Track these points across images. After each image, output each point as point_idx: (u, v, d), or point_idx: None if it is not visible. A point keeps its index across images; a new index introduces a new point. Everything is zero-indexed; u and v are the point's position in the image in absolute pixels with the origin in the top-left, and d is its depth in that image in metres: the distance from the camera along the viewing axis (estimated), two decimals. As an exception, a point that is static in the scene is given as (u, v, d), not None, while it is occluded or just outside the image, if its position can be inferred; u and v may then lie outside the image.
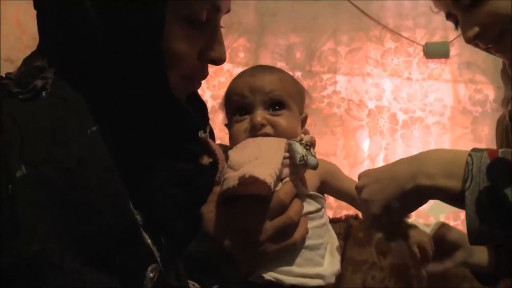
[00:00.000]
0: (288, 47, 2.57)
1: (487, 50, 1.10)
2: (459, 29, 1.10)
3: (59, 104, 0.75)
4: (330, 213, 2.45)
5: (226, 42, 2.81)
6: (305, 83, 2.54)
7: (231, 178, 0.82)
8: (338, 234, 2.36)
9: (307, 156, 0.86)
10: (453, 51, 2.45)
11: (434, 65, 2.53)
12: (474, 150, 0.82)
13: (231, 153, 0.89)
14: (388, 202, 0.89)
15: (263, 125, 0.93)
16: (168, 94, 0.80)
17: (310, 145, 0.89)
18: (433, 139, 2.52)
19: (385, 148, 2.52)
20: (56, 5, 0.77)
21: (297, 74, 2.55)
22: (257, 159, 0.85)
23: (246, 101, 0.95)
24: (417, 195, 0.87)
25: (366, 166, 2.51)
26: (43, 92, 0.75)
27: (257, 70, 1.00)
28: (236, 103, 0.97)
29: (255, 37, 2.58)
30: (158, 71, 0.78)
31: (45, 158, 0.70)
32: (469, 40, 1.09)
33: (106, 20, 0.75)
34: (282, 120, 0.94)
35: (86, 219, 0.70)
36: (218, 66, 2.69)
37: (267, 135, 0.93)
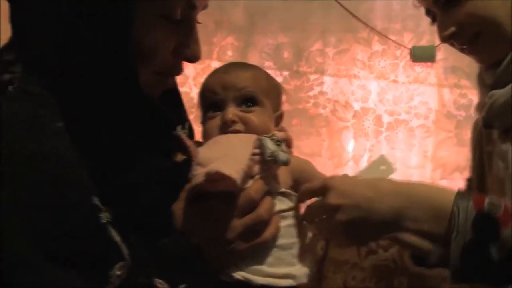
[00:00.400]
0: (276, 46, 2.57)
1: (462, 50, 1.12)
2: (436, 27, 1.12)
3: (25, 99, 0.74)
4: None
5: (214, 40, 2.81)
6: (292, 83, 2.55)
7: (199, 174, 0.81)
8: (320, 234, 2.37)
9: (277, 152, 0.85)
10: (439, 55, 2.47)
11: (420, 68, 2.55)
12: (459, 196, 0.80)
13: (201, 150, 0.88)
14: (365, 239, 0.87)
15: (234, 122, 0.92)
16: (137, 90, 0.79)
17: (281, 141, 0.88)
18: (417, 142, 2.54)
19: (369, 150, 2.54)
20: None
21: (285, 74, 2.56)
22: (226, 155, 0.84)
23: (218, 97, 0.94)
24: (396, 236, 0.83)
25: (350, 167, 2.52)
26: (10, 87, 0.74)
27: (230, 67, 0.99)
28: (209, 100, 0.96)
29: (244, 35, 2.58)
30: (127, 67, 0.77)
31: (7, 154, 0.69)
32: (444, 39, 1.11)
33: (75, 14, 0.74)
34: (254, 116, 0.93)
35: (48, 216, 0.69)
36: (206, 64, 2.68)
37: (238, 131, 0.92)
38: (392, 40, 2.54)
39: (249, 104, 0.94)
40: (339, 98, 2.56)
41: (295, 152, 2.61)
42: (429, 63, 2.52)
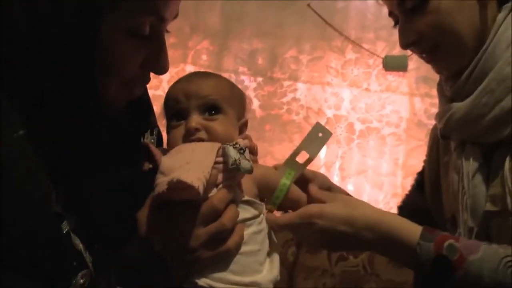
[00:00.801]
0: (251, 52, 2.58)
1: (421, 57, 1.12)
2: (398, 31, 1.10)
3: None
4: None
5: (189, 44, 2.79)
6: (266, 89, 2.56)
7: (161, 183, 0.81)
8: (291, 240, 2.39)
9: (239, 160, 0.85)
10: (411, 65, 2.50)
11: (392, 77, 2.58)
12: (423, 236, 0.91)
13: (164, 158, 0.88)
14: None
15: (197, 130, 0.92)
16: (100, 102, 0.79)
17: (244, 149, 0.88)
18: (389, 149, 2.57)
19: (341, 157, 2.56)
20: None
21: (259, 80, 2.57)
22: (188, 163, 0.84)
23: (181, 106, 0.94)
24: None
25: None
26: None
27: (193, 76, 1.00)
28: (172, 109, 0.96)
29: (219, 40, 2.58)
30: (90, 80, 0.76)
31: None
32: (404, 46, 1.09)
33: (39, 24, 0.73)
34: (217, 125, 0.93)
35: (5, 224, 0.68)
36: (180, 67, 2.67)
37: (201, 140, 0.92)
38: (365, 49, 2.57)
39: (212, 112, 0.94)
40: (312, 105, 2.58)
41: (268, 157, 2.61)
42: (401, 73, 2.55)
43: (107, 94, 0.79)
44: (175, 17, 0.85)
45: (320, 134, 1.02)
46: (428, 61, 1.11)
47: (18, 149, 0.72)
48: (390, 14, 1.11)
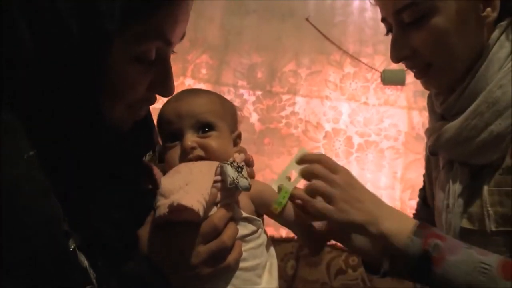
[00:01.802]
0: (250, 66, 2.60)
1: (411, 70, 1.09)
2: (390, 41, 1.07)
3: None
4: (283, 232, 2.47)
5: (189, 57, 2.81)
6: (265, 103, 2.57)
7: (161, 206, 0.83)
8: (290, 253, 2.38)
9: (237, 179, 0.87)
10: (409, 79, 2.51)
11: (390, 91, 2.60)
12: (416, 231, 0.96)
13: (163, 179, 0.89)
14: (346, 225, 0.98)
15: (193, 148, 0.93)
16: (104, 125, 0.80)
17: (242, 166, 0.90)
18: (387, 163, 2.58)
19: (340, 170, 2.56)
20: None
21: (258, 94, 2.58)
22: (187, 184, 0.85)
23: (174, 127, 0.95)
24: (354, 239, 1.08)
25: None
26: None
27: (183, 95, 1.00)
28: (166, 131, 0.97)
29: (219, 54, 2.60)
30: (94, 103, 0.77)
31: None
32: (395, 60, 1.07)
33: (46, 50, 0.74)
34: (212, 141, 0.94)
35: (15, 244, 0.69)
36: (180, 81, 2.68)
37: (199, 157, 0.93)
38: (364, 63, 2.59)
39: (206, 129, 0.95)
40: (310, 118, 2.59)
41: (267, 170, 2.61)
42: (399, 86, 2.56)
43: (113, 116, 0.80)
44: (181, 39, 0.86)
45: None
46: (418, 77, 1.09)
47: (29, 169, 0.73)
48: (383, 20, 1.08)
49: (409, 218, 1.00)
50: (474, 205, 1.01)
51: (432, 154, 1.17)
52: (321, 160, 1.02)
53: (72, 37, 0.73)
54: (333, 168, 0.99)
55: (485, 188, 0.99)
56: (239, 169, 0.89)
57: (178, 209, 0.81)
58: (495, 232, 0.97)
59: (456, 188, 1.05)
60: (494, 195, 0.98)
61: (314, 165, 1.01)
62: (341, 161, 2.56)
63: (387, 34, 1.10)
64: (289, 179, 1.03)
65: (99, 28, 0.73)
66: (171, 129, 0.96)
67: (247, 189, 0.88)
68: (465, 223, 1.02)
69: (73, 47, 0.73)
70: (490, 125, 0.99)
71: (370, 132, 2.59)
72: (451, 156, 1.08)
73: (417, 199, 1.38)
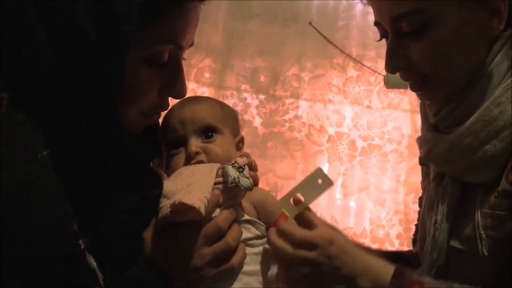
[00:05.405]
0: (253, 70, 2.60)
1: (406, 81, 1.03)
2: (385, 55, 1.00)
3: (9, 127, 0.74)
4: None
5: (192, 61, 2.80)
6: (268, 107, 2.57)
7: (164, 206, 0.84)
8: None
9: (238, 179, 0.88)
10: (412, 82, 2.51)
11: (393, 94, 2.59)
12: (394, 279, 0.87)
13: (166, 182, 0.91)
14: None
15: (197, 153, 0.94)
16: (118, 128, 0.81)
17: (243, 167, 0.90)
18: (390, 166, 2.57)
19: (343, 174, 2.56)
20: (13, 33, 0.76)
21: (261, 97, 2.58)
22: (189, 185, 0.86)
23: (178, 134, 0.97)
24: None
25: (324, 190, 2.53)
26: None
27: (184, 102, 1.01)
28: (170, 138, 0.98)
29: (222, 58, 2.60)
30: (111, 109, 0.78)
31: None
32: (390, 71, 1.00)
33: (65, 56, 0.75)
34: (215, 146, 0.96)
35: (25, 244, 0.70)
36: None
37: (201, 162, 0.94)
38: (367, 67, 2.59)
39: (209, 134, 0.97)
40: (314, 122, 2.59)
41: (270, 174, 2.61)
42: (402, 90, 2.56)
43: (127, 121, 0.82)
44: (191, 45, 0.87)
45: (320, 181, 0.94)
46: (414, 90, 1.02)
47: (43, 169, 0.74)
48: (377, 24, 1.01)
49: (387, 267, 0.91)
50: (466, 226, 0.96)
51: (421, 164, 1.14)
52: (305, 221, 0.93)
53: (89, 40, 0.74)
54: (310, 239, 0.89)
55: (478, 210, 0.94)
56: (240, 169, 0.90)
57: (180, 209, 0.81)
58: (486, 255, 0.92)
59: (445, 204, 1.00)
60: (488, 218, 0.92)
61: (289, 251, 0.89)
62: (344, 165, 2.56)
63: (380, 39, 1.03)
64: (295, 201, 0.95)
65: (116, 31, 0.74)
66: (175, 136, 0.97)
67: (249, 188, 0.88)
68: (455, 243, 0.98)
69: (90, 50, 0.74)
70: (485, 145, 0.93)
71: (374, 136, 2.59)
72: (442, 170, 1.04)
73: (421, 202, 1.36)
